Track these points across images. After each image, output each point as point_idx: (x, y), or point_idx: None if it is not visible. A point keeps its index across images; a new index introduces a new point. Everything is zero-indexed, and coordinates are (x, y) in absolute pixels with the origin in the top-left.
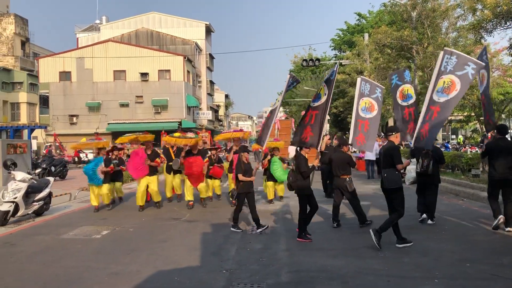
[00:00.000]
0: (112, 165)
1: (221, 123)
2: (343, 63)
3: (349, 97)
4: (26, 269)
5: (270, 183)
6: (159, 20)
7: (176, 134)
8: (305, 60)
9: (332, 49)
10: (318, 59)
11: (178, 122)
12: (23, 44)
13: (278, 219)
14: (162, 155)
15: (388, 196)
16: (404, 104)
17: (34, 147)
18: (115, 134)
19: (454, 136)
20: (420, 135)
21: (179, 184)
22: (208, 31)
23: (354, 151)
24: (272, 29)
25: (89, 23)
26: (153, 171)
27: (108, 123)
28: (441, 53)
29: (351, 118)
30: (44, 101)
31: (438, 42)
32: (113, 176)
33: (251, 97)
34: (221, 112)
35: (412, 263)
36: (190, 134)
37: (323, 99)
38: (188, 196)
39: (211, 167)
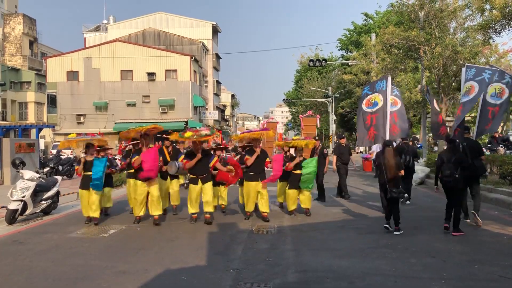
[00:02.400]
0: (113, 169)
1: (227, 123)
2: (350, 63)
3: (355, 97)
4: (35, 267)
5: (292, 192)
6: (166, 20)
7: (188, 134)
8: (312, 60)
9: (338, 49)
10: (324, 59)
11: (185, 122)
12: (31, 44)
13: (285, 219)
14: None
15: (472, 182)
16: (368, 110)
17: (42, 146)
18: None
19: None
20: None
21: (177, 193)
22: (215, 31)
23: (361, 152)
24: (279, 29)
25: (97, 23)
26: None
27: (115, 123)
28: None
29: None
30: (52, 101)
31: (446, 43)
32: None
33: (257, 97)
34: (228, 112)
35: (420, 264)
36: (204, 130)
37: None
38: (193, 208)
39: (216, 171)
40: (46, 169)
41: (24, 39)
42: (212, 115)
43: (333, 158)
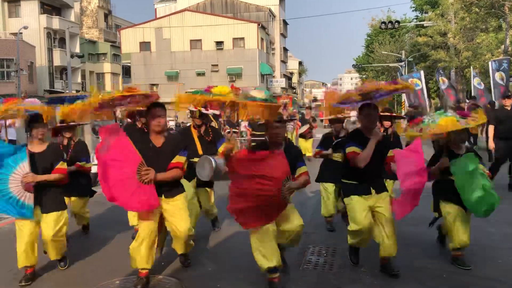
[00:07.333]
0: (60, 166)
1: (294, 90)
2: (425, 25)
3: (431, 60)
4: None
5: (456, 210)
6: None
7: (224, 90)
8: (384, 22)
9: (412, 11)
10: (397, 21)
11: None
12: (106, 16)
13: None
14: None
15: None
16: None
17: (119, 115)
18: None
19: None
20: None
21: (212, 205)
22: None
23: None
24: None
25: None
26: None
27: (186, 92)
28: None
29: (432, 83)
30: (126, 71)
31: None
32: (68, 187)
33: (325, 64)
34: (295, 79)
35: (499, 234)
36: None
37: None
38: (268, 259)
39: None
40: None
41: (99, 12)
42: (279, 83)
43: (490, 130)
